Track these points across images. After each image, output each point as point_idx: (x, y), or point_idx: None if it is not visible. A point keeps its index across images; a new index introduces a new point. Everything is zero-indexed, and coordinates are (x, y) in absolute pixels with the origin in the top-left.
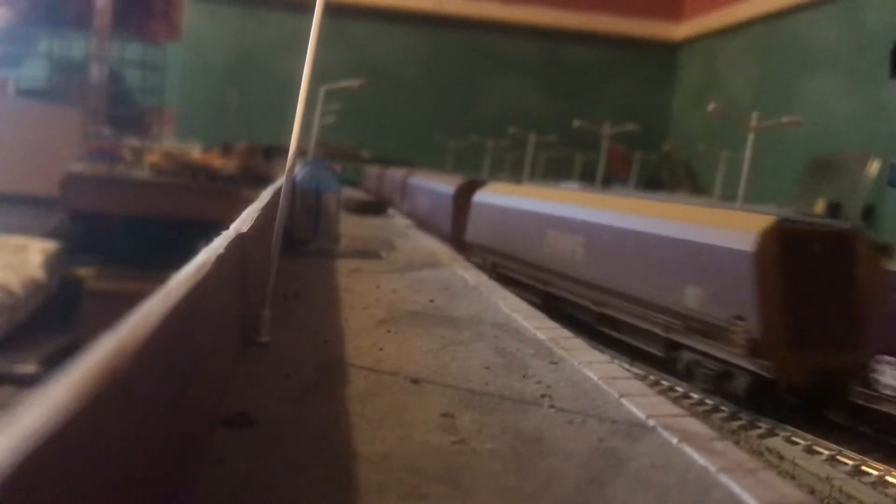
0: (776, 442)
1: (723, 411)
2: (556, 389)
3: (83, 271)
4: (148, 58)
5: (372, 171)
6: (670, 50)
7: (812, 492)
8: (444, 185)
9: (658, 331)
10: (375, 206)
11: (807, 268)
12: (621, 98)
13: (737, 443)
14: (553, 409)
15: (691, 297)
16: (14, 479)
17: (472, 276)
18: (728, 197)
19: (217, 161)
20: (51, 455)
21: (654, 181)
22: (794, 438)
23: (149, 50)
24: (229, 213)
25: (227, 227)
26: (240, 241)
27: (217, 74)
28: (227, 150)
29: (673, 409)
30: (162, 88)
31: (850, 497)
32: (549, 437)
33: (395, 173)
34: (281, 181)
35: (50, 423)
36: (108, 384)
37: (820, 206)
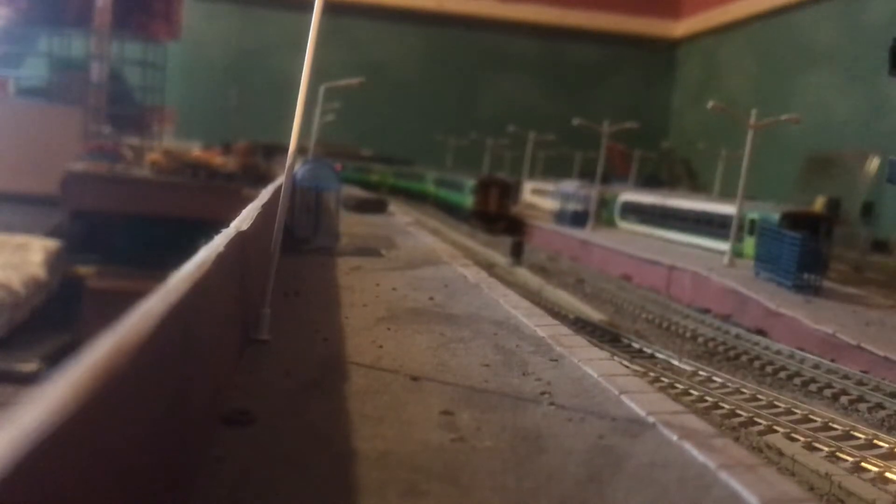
0: (776, 438)
1: (722, 408)
2: (556, 387)
3: (84, 270)
4: (148, 57)
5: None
6: (669, 48)
7: (812, 488)
8: None
9: None
10: (375, 204)
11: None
12: (621, 96)
13: (736, 439)
14: (553, 407)
15: None
16: (14, 478)
17: (473, 273)
18: (727, 194)
19: (217, 159)
20: (51, 454)
21: (654, 179)
22: (794, 435)
23: (149, 49)
24: (229, 212)
25: (228, 226)
26: (240, 239)
27: (217, 73)
28: (227, 149)
29: (673, 405)
30: (162, 87)
31: (849, 493)
32: (549, 434)
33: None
34: (281, 179)
35: (50, 422)
36: (109, 382)
37: (819, 202)
